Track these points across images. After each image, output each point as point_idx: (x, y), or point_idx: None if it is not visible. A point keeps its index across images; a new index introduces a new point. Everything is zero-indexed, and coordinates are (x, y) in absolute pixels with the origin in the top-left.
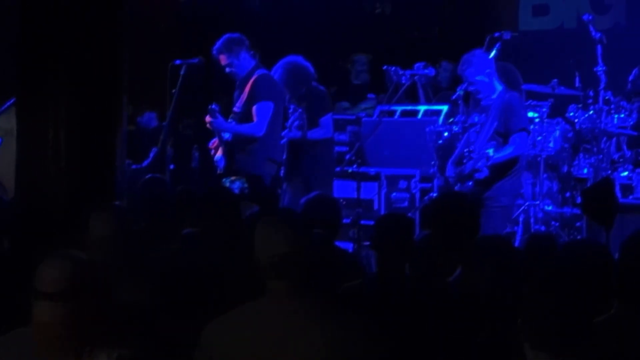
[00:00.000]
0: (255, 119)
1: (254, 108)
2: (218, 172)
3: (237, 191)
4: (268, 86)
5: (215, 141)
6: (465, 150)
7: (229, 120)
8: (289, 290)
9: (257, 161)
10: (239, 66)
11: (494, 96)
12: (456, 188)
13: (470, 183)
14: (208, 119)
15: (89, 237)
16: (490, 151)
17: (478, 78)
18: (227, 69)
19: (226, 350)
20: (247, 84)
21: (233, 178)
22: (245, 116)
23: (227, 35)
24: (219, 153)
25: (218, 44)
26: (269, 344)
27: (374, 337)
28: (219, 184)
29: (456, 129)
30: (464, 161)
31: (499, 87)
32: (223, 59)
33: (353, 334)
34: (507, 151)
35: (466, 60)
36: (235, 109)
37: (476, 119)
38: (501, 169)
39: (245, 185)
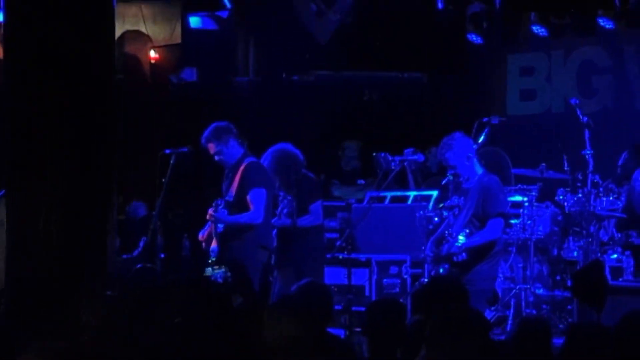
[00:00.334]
0: (251, 206)
1: (249, 196)
2: (210, 261)
3: (220, 280)
4: (259, 173)
5: (204, 234)
6: (446, 232)
7: (221, 210)
8: None
9: (248, 249)
10: (228, 154)
11: (474, 180)
12: (432, 269)
13: (446, 265)
14: (211, 211)
15: (79, 324)
16: (462, 236)
17: (458, 161)
18: (216, 157)
19: None
20: (236, 172)
21: (216, 267)
22: (237, 205)
23: (215, 124)
24: (214, 243)
25: (206, 132)
26: None
27: None
28: (202, 273)
29: (446, 214)
30: (443, 242)
31: (479, 171)
32: (211, 148)
33: None
34: (484, 236)
35: (446, 143)
36: (227, 198)
37: (456, 201)
38: (479, 253)
39: (229, 274)
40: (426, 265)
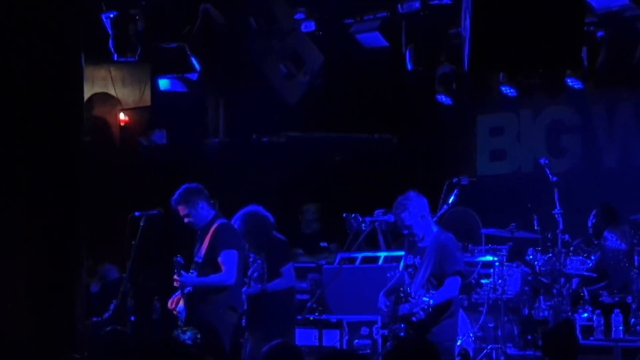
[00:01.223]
0: (223, 268)
1: (220, 257)
2: (179, 323)
3: (189, 341)
4: (230, 235)
5: (174, 298)
6: (404, 291)
7: (191, 271)
8: None
9: (218, 310)
10: (197, 216)
11: (429, 239)
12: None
13: (402, 325)
14: (175, 277)
15: None
16: (426, 299)
17: (413, 221)
18: (186, 220)
19: None
20: (207, 233)
21: (185, 328)
22: (206, 266)
23: (185, 186)
24: (181, 303)
25: (176, 195)
26: None
27: None
28: (171, 335)
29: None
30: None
31: (434, 229)
32: (181, 210)
33: None
34: (443, 294)
35: (400, 203)
36: (196, 259)
37: (411, 260)
38: (436, 313)
39: (198, 335)
40: (378, 324)
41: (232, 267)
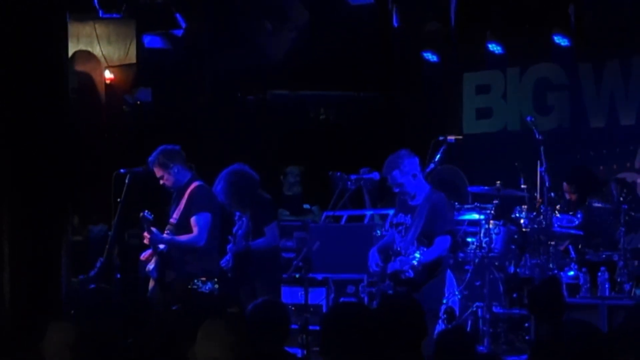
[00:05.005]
0: (194, 229)
1: (193, 219)
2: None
3: (207, 292)
4: (205, 198)
5: (147, 253)
6: (395, 249)
7: (166, 232)
8: None
9: (191, 272)
10: (173, 179)
11: (421, 197)
12: (375, 287)
13: (390, 283)
14: (146, 234)
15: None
16: (417, 254)
17: (405, 179)
18: (161, 182)
19: None
20: (183, 196)
21: (204, 279)
22: (181, 227)
23: (161, 148)
24: (151, 263)
25: (152, 156)
26: None
27: None
28: (192, 285)
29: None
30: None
31: (425, 188)
32: (157, 172)
33: None
34: (433, 253)
35: (392, 161)
36: (171, 220)
37: (402, 219)
38: (426, 272)
39: (216, 286)
40: (364, 282)
41: (204, 230)
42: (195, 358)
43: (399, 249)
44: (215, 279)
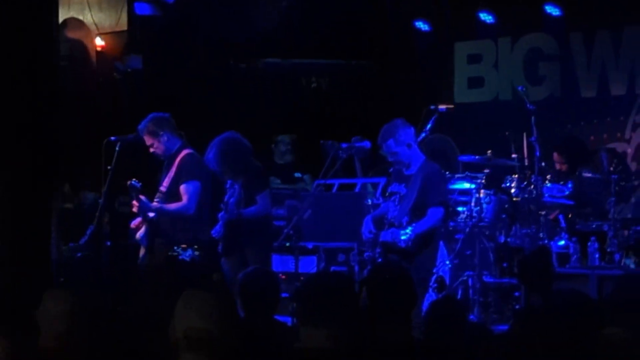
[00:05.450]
0: (184, 198)
1: (182, 187)
2: (142, 250)
3: (188, 259)
4: (194, 166)
5: (137, 221)
6: (389, 218)
7: (156, 200)
8: None
9: (181, 241)
10: (163, 147)
11: (415, 167)
12: (366, 254)
13: (379, 249)
14: (134, 203)
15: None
16: (409, 229)
17: (400, 148)
18: (151, 150)
19: None
20: (173, 164)
21: (184, 246)
22: (171, 195)
23: (151, 115)
24: (141, 231)
25: (142, 124)
26: None
27: None
28: (172, 252)
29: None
30: (386, 228)
31: (420, 158)
32: (147, 140)
33: None
34: (427, 223)
35: (387, 130)
36: (161, 188)
37: (396, 188)
38: (419, 242)
39: (197, 253)
40: (355, 251)
41: (193, 198)
42: (175, 330)
43: (392, 219)
44: (196, 246)
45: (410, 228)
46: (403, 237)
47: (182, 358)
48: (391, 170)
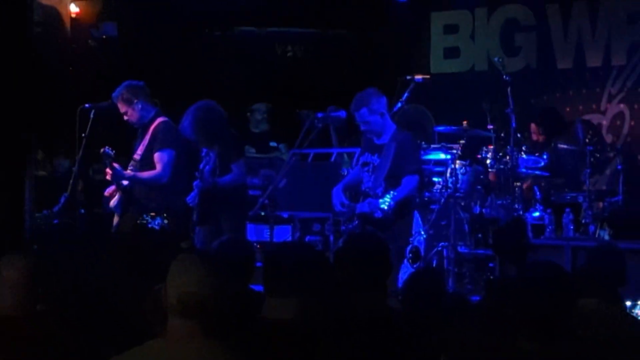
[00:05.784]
0: (157, 166)
1: (156, 155)
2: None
3: (157, 227)
4: (169, 134)
5: (111, 189)
6: (364, 188)
7: (130, 168)
8: (191, 331)
9: (154, 209)
10: (137, 115)
11: (387, 136)
12: (343, 228)
13: (356, 222)
14: (107, 170)
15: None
16: (389, 196)
17: (372, 117)
18: (125, 117)
19: None
20: (147, 132)
21: (153, 214)
22: (145, 163)
23: (126, 83)
24: (115, 199)
25: (116, 92)
26: None
27: None
28: (141, 220)
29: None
30: (361, 199)
31: (391, 127)
32: (121, 107)
33: None
34: (402, 192)
35: (360, 99)
36: (135, 156)
37: (369, 158)
38: (395, 212)
39: (166, 222)
40: (330, 221)
41: (167, 167)
42: (168, 296)
43: (367, 189)
44: (165, 215)
45: (388, 196)
46: (383, 206)
47: (171, 323)
48: (362, 139)
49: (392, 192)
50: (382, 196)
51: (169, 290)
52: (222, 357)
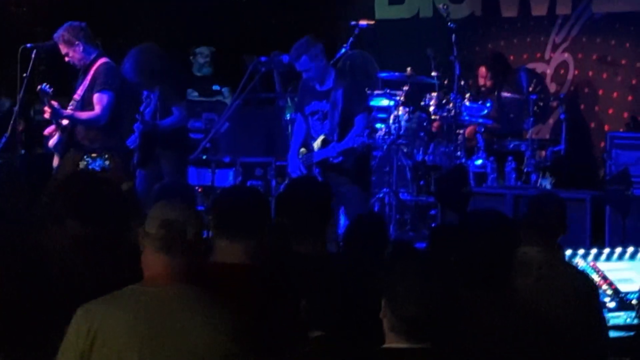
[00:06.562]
0: (96, 107)
1: (95, 96)
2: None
3: (98, 169)
4: (109, 75)
5: (51, 128)
6: (317, 136)
7: (70, 107)
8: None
9: (94, 151)
10: (77, 56)
11: (330, 82)
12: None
13: (316, 170)
14: (46, 108)
15: None
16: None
17: (313, 64)
18: (66, 59)
19: (101, 333)
20: (88, 72)
21: (94, 155)
22: (85, 104)
23: (68, 24)
24: (55, 139)
25: (57, 32)
26: (147, 328)
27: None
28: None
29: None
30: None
31: (332, 72)
32: (62, 48)
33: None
34: (356, 130)
35: (299, 47)
36: (75, 96)
37: (317, 106)
38: (354, 155)
39: (107, 162)
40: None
41: (106, 108)
42: (148, 225)
43: (324, 135)
44: (107, 155)
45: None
46: (337, 153)
47: (146, 253)
48: (299, 90)
49: (344, 133)
50: (336, 140)
51: (150, 220)
52: (198, 302)
